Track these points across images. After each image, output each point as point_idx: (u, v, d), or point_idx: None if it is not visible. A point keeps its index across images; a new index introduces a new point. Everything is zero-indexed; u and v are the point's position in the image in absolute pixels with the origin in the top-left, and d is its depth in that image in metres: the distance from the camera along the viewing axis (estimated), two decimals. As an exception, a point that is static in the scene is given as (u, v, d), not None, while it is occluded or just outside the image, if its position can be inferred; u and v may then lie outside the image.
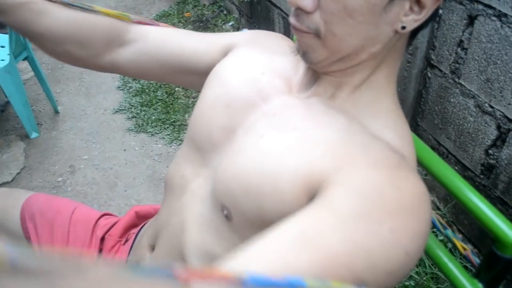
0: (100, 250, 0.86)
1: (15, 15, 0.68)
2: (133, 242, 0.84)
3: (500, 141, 1.16)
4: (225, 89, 0.64)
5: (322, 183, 0.47)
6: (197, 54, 0.72)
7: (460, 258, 1.14)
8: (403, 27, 0.50)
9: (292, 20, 0.52)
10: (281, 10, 2.26)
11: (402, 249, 0.41)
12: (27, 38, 0.76)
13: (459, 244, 0.67)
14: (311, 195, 0.48)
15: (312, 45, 0.52)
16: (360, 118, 0.56)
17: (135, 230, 0.88)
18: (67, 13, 0.71)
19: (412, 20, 0.50)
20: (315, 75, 0.59)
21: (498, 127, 1.15)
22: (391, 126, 0.56)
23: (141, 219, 0.92)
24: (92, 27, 0.72)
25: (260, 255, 0.39)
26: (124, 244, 0.86)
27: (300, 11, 0.50)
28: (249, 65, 0.66)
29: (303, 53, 0.55)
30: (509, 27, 1.02)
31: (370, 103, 0.57)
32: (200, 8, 3.41)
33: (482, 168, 1.24)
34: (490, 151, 1.20)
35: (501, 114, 1.12)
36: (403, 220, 0.43)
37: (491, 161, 1.20)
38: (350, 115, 0.56)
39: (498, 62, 1.07)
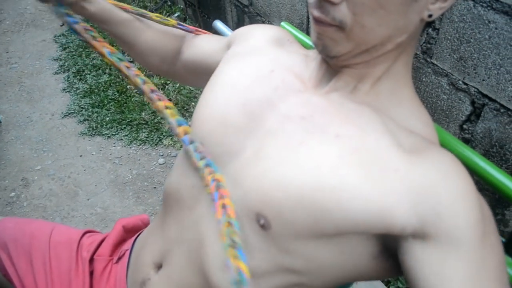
0: (91, 272, 0.78)
1: (120, 28, 0.78)
2: (128, 260, 0.76)
3: (474, 115, 1.19)
4: (236, 89, 0.59)
5: (416, 227, 0.45)
6: (212, 56, 0.76)
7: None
8: (430, 15, 0.50)
9: (315, 12, 0.49)
10: (233, -3, 2.20)
11: (498, 245, 0.46)
12: (121, 45, 0.83)
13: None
14: (393, 228, 0.46)
15: (335, 38, 0.50)
16: (384, 110, 0.55)
17: (126, 246, 0.80)
18: (153, 31, 0.82)
19: (438, 8, 0.49)
20: (331, 68, 0.56)
21: (473, 103, 1.17)
22: (415, 114, 0.56)
23: (129, 232, 0.85)
24: (168, 43, 0.84)
25: None
26: (117, 262, 0.78)
27: (325, 3, 0.47)
28: (256, 63, 0.61)
29: (324, 47, 0.52)
30: (481, 6, 1.03)
31: (390, 93, 0.56)
32: (141, 0, 3.26)
33: (456, 143, 1.26)
34: (464, 126, 1.22)
35: (476, 90, 1.14)
36: (489, 221, 0.46)
37: (466, 136, 1.23)
38: (375, 108, 0.54)
39: (471, 40, 1.09)
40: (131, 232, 0.85)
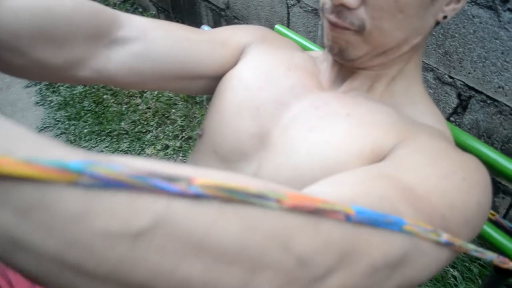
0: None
1: None
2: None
3: (461, 108, 1.22)
4: (250, 92, 0.58)
5: (387, 154, 0.46)
6: (211, 57, 0.61)
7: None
8: (445, 17, 0.51)
9: (332, 17, 0.49)
10: (209, 2, 2.18)
11: (474, 198, 0.40)
12: None
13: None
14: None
15: (352, 41, 0.50)
16: (399, 107, 0.55)
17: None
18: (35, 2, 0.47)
19: (452, 9, 0.51)
20: (345, 70, 0.57)
21: (459, 96, 1.20)
22: (428, 112, 0.57)
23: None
24: (71, 16, 0.49)
25: (346, 187, 0.35)
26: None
27: (342, 8, 0.47)
28: (271, 63, 0.60)
29: (340, 50, 0.52)
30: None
31: (404, 92, 0.57)
32: (109, 7, 3.20)
33: (444, 136, 1.29)
34: (452, 119, 1.25)
35: (462, 83, 1.17)
36: (471, 173, 0.43)
37: (454, 129, 1.26)
38: (390, 105, 0.54)
39: (456, 35, 1.12)
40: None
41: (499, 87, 1.09)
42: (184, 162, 1.98)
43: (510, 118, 1.11)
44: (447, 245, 0.34)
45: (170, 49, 0.58)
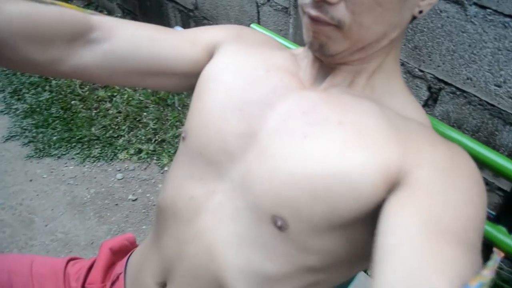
0: (83, 302, 0.73)
1: None
2: (124, 284, 0.72)
3: (431, 100, 1.25)
4: (232, 93, 0.58)
5: (400, 173, 0.46)
6: (177, 54, 0.65)
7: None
8: (420, 11, 0.52)
9: (313, 12, 0.49)
10: (176, 3, 2.16)
11: (484, 206, 0.45)
12: None
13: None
14: (390, 186, 0.47)
15: (332, 36, 0.51)
16: (380, 100, 0.56)
17: (118, 269, 0.76)
18: (19, 6, 0.56)
19: (427, 4, 0.52)
20: (325, 66, 0.57)
21: (429, 88, 1.23)
22: (409, 103, 0.58)
23: (117, 255, 0.80)
24: (53, 23, 0.58)
25: (400, 264, 0.37)
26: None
27: (323, 3, 0.48)
28: (250, 64, 0.60)
29: (320, 46, 0.53)
30: (432, -6, 1.09)
31: (385, 86, 0.58)
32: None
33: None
34: (423, 112, 1.29)
35: (432, 76, 1.20)
36: (477, 181, 0.47)
37: (426, 121, 1.30)
38: (372, 99, 0.55)
39: (425, 30, 1.15)
40: (120, 254, 0.80)
41: (468, 78, 1.13)
42: (159, 165, 1.95)
43: (479, 108, 1.15)
44: None
45: (135, 47, 0.63)
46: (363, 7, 0.47)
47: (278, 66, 0.60)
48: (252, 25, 0.89)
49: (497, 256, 0.42)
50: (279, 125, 0.54)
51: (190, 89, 0.69)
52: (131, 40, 0.63)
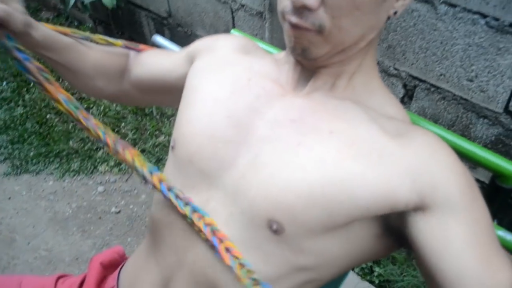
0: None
1: (65, 54, 0.72)
2: (118, 298, 0.72)
3: (407, 97, 1.29)
4: (218, 102, 0.59)
5: (409, 190, 0.49)
6: (170, 71, 0.74)
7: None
8: (395, 13, 0.54)
9: (293, 19, 0.51)
10: (150, 11, 2.15)
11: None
12: (63, 74, 0.77)
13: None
14: (397, 200, 0.49)
15: (314, 41, 0.52)
16: (362, 101, 0.58)
17: (110, 283, 0.75)
18: (97, 51, 0.78)
19: (401, 5, 0.54)
20: (307, 70, 0.58)
21: (405, 86, 1.27)
22: (388, 101, 0.60)
23: (108, 269, 0.80)
24: (115, 63, 0.79)
25: None
26: (105, 303, 0.73)
27: (302, 9, 0.49)
28: (232, 73, 0.62)
29: (303, 50, 0.54)
30: (402, -6, 1.12)
31: (364, 86, 0.60)
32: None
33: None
34: (400, 109, 1.32)
35: (406, 73, 1.24)
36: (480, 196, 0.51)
37: (403, 117, 1.33)
38: (354, 101, 0.57)
39: (398, 29, 1.18)
40: (110, 267, 0.80)
41: (441, 74, 1.16)
42: (141, 175, 1.93)
43: (453, 103, 1.18)
44: None
45: (149, 71, 0.78)
46: (342, 11, 0.48)
47: (259, 73, 0.61)
48: (232, 31, 0.90)
49: None
50: (269, 132, 0.55)
51: None
52: (148, 67, 0.78)
